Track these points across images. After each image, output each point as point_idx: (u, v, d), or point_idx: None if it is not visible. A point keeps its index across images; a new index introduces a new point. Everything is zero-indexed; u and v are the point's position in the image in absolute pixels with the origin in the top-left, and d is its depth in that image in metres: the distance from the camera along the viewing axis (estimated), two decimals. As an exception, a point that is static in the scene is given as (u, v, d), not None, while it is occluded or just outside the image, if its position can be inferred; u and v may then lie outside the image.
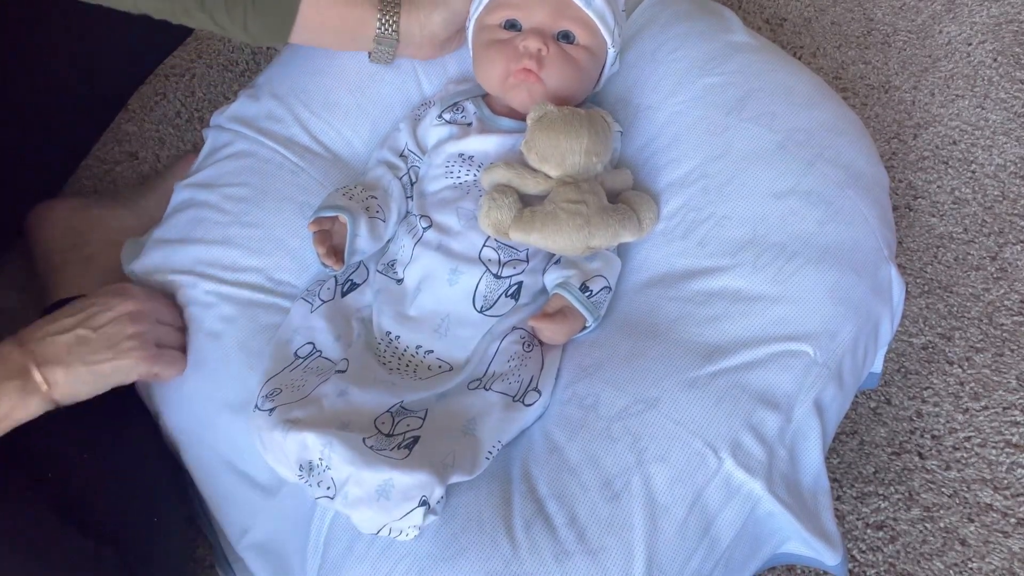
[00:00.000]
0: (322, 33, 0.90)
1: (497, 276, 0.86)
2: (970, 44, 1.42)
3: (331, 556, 0.79)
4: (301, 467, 0.76)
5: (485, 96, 0.96)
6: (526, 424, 0.83)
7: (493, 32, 0.91)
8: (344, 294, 0.89)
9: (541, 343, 0.85)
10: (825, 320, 0.84)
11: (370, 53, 0.94)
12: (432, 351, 0.85)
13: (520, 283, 0.87)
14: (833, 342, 0.84)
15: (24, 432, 0.74)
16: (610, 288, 0.88)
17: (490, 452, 0.79)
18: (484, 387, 0.82)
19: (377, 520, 0.74)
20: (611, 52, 0.94)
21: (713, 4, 1.08)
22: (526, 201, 0.86)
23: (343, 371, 0.81)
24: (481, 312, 0.86)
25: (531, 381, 0.83)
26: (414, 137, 0.95)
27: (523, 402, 0.82)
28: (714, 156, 0.92)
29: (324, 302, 0.88)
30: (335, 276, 0.90)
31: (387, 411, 0.79)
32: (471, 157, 0.91)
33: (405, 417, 0.79)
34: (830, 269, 0.86)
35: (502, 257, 0.86)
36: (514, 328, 0.85)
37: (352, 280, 0.90)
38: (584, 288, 0.85)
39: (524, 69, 0.88)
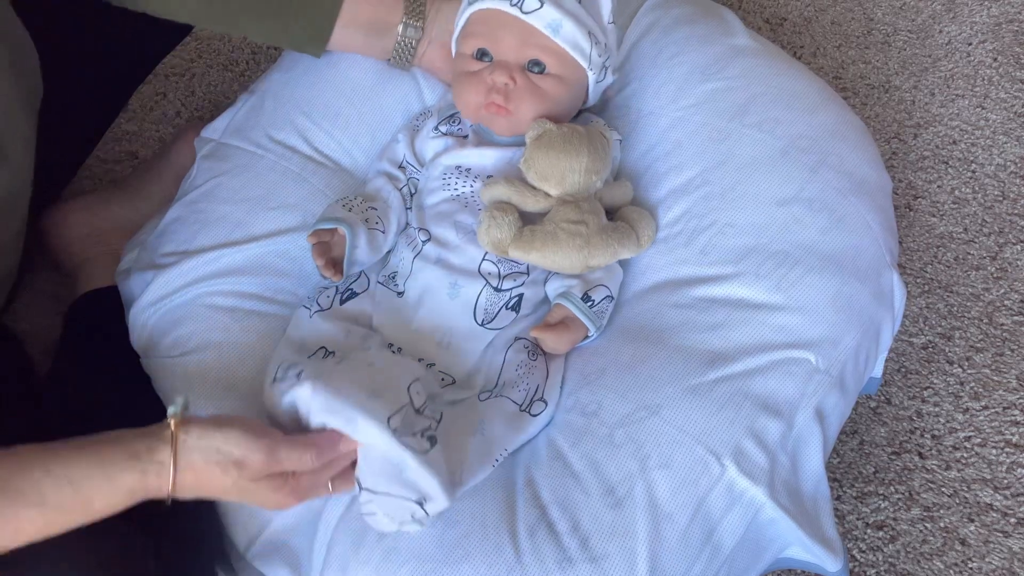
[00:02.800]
0: (354, 32, 0.92)
1: (497, 289, 0.86)
2: (970, 44, 1.42)
3: (335, 558, 0.79)
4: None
5: None
6: (531, 435, 0.83)
7: (466, 62, 0.90)
8: (343, 302, 0.89)
9: (544, 352, 0.85)
10: (827, 328, 0.84)
11: (392, 55, 0.95)
12: (434, 364, 0.85)
13: (520, 295, 0.87)
14: (835, 350, 0.84)
15: (46, 413, 0.74)
16: (612, 297, 0.88)
17: (496, 460, 0.79)
18: (495, 395, 0.82)
19: (379, 484, 0.73)
20: (591, 74, 0.91)
21: (714, 6, 1.07)
22: (526, 218, 0.86)
23: (367, 349, 0.81)
24: (482, 325, 0.85)
25: (537, 391, 0.83)
26: (412, 149, 0.95)
27: (529, 412, 0.82)
28: (716, 163, 0.92)
29: (322, 308, 0.88)
30: (336, 286, 0.90)
31: (419, 381, 0.77)
32: (468, 169, 0.90)
33: (431, 404, 0.77)
34: (833, 277, 0.86)
35: (502, 270, 0.86)
36: (517, 338, 0.85)
37: (352, 289, 0.90)
38: (586, 298, 0.85)
39: (493, 103, 0.87)
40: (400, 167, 0.95)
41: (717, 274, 0.87)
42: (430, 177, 0.92)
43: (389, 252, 0.92)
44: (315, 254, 0.87)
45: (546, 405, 0.83)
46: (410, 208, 0.94)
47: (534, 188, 0.86)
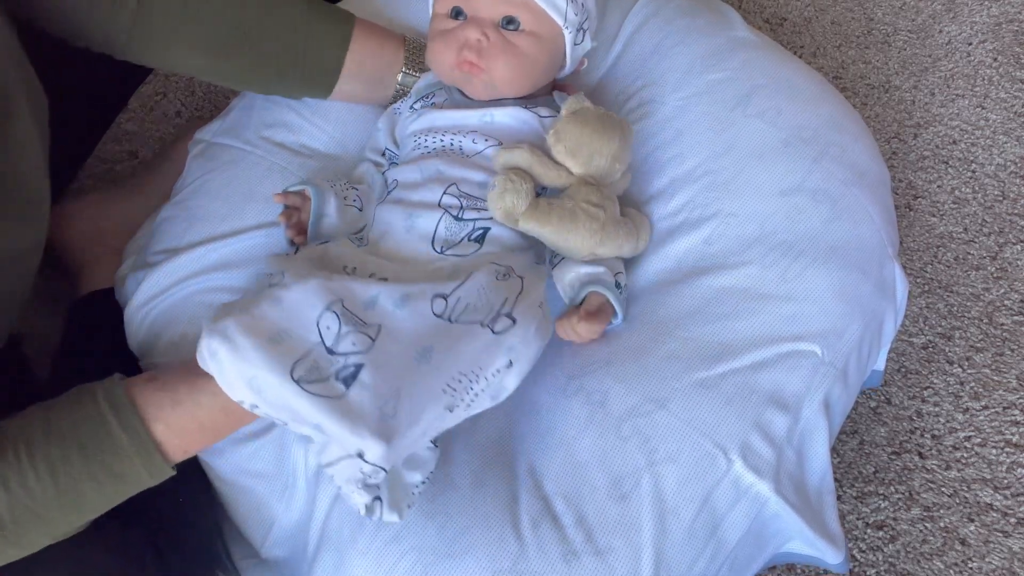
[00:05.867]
0: (356, 84, 0.94)
1: (458, 218, 0.82)
2: (970, 44, 1.42)
3: (331, 547, 0.79)
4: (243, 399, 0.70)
5: None
6: (496, 359, 0.72)
7: (441, 21, 0.88)
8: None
9: (521, 276, 0.78)
10: (832, 319, 0.84)
11: (391, 103, 0.96)
12: (387, 279, 0.77)
13: (485, 229, 0.83)
14: (840, 341, 0.84)
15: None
16: (627, 285, 0.88)
17: (447, 388, 0.70)
18: (449, 319, 0.73)
19: (333, 461, 0.70)
20: (567, 34, 0.88)
21: (712, 0, 1.08)
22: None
23: (277, 283, 0.74)
24: (441, 252, 0.81)
25: (503, 304, 0.74)
26: (392, 136, 0.94)
27: (492, 329, 0.73)
28: (719, 152, 0.92)
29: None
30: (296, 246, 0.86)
31: (329, 309, 0.70)
32: (439, 128, 0.88)
33: (353, 329, 0.70)
34: (837, 268, 0.86)
35: (464, 203, 0.83)
36: (490, 263, 0.78)
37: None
38: (617, 284, 0.84)
39: (467, 61, 0.85)
40: (382, 154, 0.95)
41: (722, 264, 0.87)
42: (404, 144, 0.91)
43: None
44: (281, 214, 0.86)
45: (514, 324, 0.73)
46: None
47: (557, 163, 0.84)
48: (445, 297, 0.74)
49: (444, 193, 0.83)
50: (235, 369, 0.68)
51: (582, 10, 0.89)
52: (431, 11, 0.91)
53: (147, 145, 1.29)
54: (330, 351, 0.69)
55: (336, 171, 0.96)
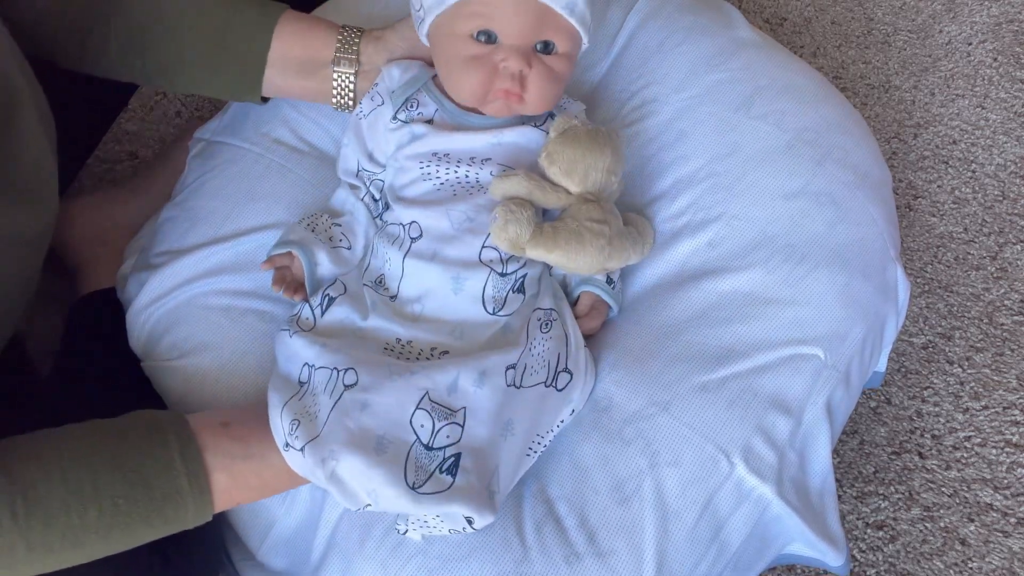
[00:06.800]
0: (287, 74, 0.89)
1: (503, 274, 0.81)
2: (970, 44, 1.42)
3: (338, 553, 0.79)
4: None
5: (435, 78, 0.88)
6: (563, 412, 0.81)
7: (465, 45, 0.80)
8: (323, 313, 0.83)
9: (559, 317, 0.82)
10: (835, 323, 0.84)
11: (334, 96, 0.91)
12: (448, 352, 0.79)
13: (524, 275, 0.82)
14: (843, 344, 0.84)
15: (47, 415, 0.74)
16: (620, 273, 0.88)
17: (531, 450, 0.78)
18: (516, 385, 0.77)
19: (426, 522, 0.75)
20: (585, 47, 0.85)
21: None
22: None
23: (352, 384, 0.75)
24: (494, 314, 0.80)
25: (558, 361, 0.79)
26: (365, 152, 0.88)
27: (556, 387, 0.79)
28: (723, 154, 0.91)
29: (303, 329, 0.81)
30: (307, 304, 0.84)
31: (419, 408, 0.74)
32: (447, 154, 0.83)
33: (445, 423, 0.74)
34: (840, 271, 0.86)
35: (503, 254, 0.81)
36: (533, 311, 0.81)
37: (328, 295, 0.84)
38: (609, 280, 0.85)
39: (506, 90, 0.80)
40: (357, 175, 0.90)
41: (725, 267, 0.87)
42: (403, 169, 0.85)
43: (369, 256, 0.87)
44: (274, 282, 0.84)
45: (571, 377, 0.79)
46: (379, 215, 0.88)
47: (554, 184, 0.82)
48: (513, 366, 0.77)
49: (483, 247, 0.81)
50: (355, 485, 0.72)
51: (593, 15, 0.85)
52: (427, 24, 0.83)
53: (147, 145, 1.29)
54: (427, 447, 0.73)
55: (314, 210, 0.92)
